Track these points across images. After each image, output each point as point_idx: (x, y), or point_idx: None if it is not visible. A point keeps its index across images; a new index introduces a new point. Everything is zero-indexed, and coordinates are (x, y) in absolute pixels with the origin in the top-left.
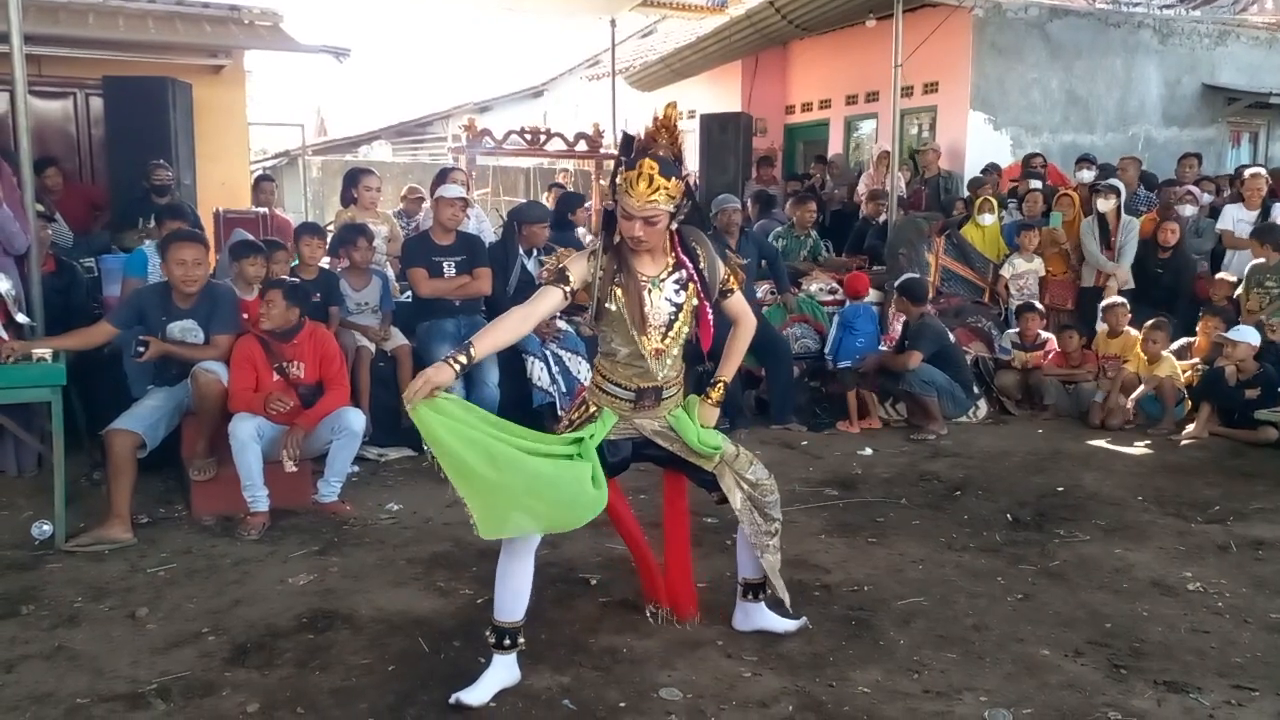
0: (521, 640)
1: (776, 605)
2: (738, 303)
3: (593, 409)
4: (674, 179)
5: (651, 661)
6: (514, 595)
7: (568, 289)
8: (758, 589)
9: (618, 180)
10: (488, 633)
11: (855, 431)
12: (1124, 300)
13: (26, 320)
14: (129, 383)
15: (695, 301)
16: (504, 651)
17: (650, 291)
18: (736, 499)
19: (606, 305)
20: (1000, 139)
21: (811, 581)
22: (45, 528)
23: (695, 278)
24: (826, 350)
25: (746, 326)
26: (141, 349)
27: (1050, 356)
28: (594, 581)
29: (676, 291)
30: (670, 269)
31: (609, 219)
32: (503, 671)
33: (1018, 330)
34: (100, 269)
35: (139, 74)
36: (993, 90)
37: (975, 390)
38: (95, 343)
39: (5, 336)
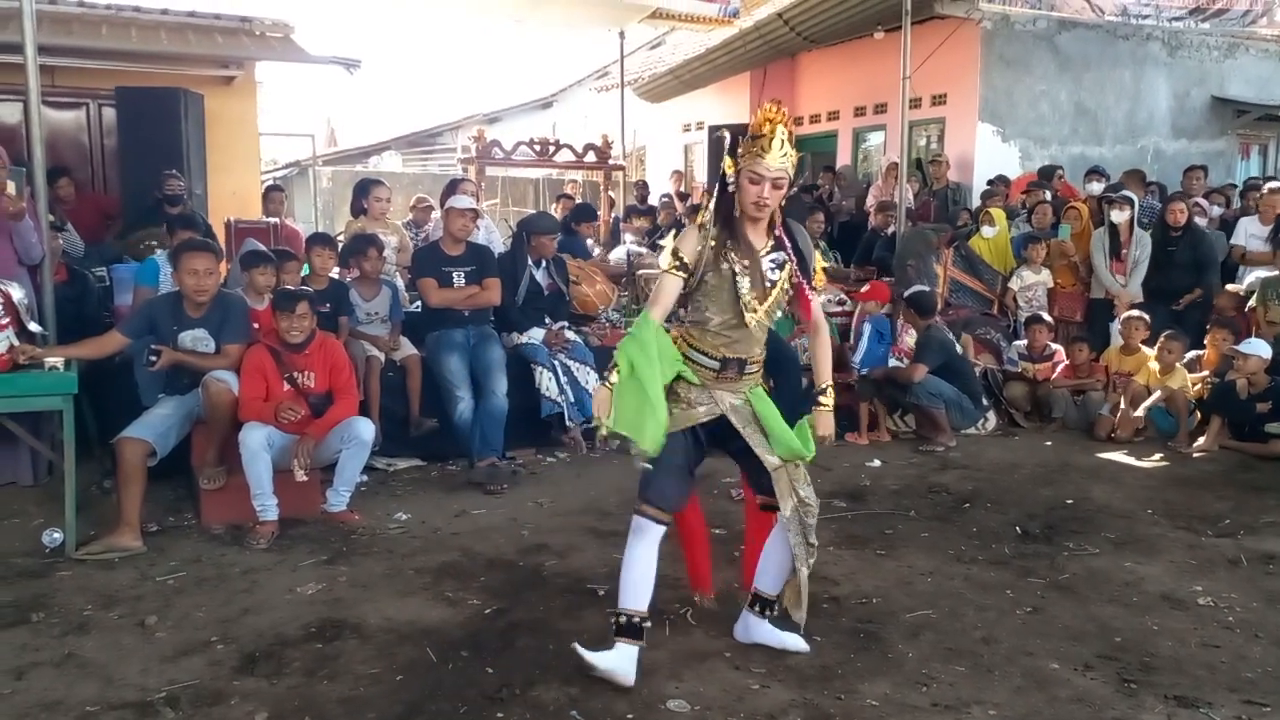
0: (643, 633)
1: (783, 620)
2: (817, 305)
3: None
4: (796, 151)
5: (659, 672)
6: (640, 582)
7: (684, 276)
8: (768, 605)
9: (739, 151)
10: (613, 623)
11: (864, 443)
12: (1143, 315)
13: (39, 329)
14: (140, 391)
15: (792, 281)
16: (630, 638)
17: (756, 262)
18: (787, 507)
19: (707, 277)
20: (1009, 151)
21: (820, 593)
22: (56, 535)
23: (793, 258)
24: (856, 359)
25: (824, 332)
26: (153, 358)
27: (1059, 369)
28: (602, 592)
29: (772, 269)
30: (771, 247)
31: (722, 193)
32: (626, 661)
33: (1026, 342)
34: (112, 278)
35: (151, 84)
36: (1001, 102)
37: (984, 402)
38: (106, 352)
39: (18, 344)
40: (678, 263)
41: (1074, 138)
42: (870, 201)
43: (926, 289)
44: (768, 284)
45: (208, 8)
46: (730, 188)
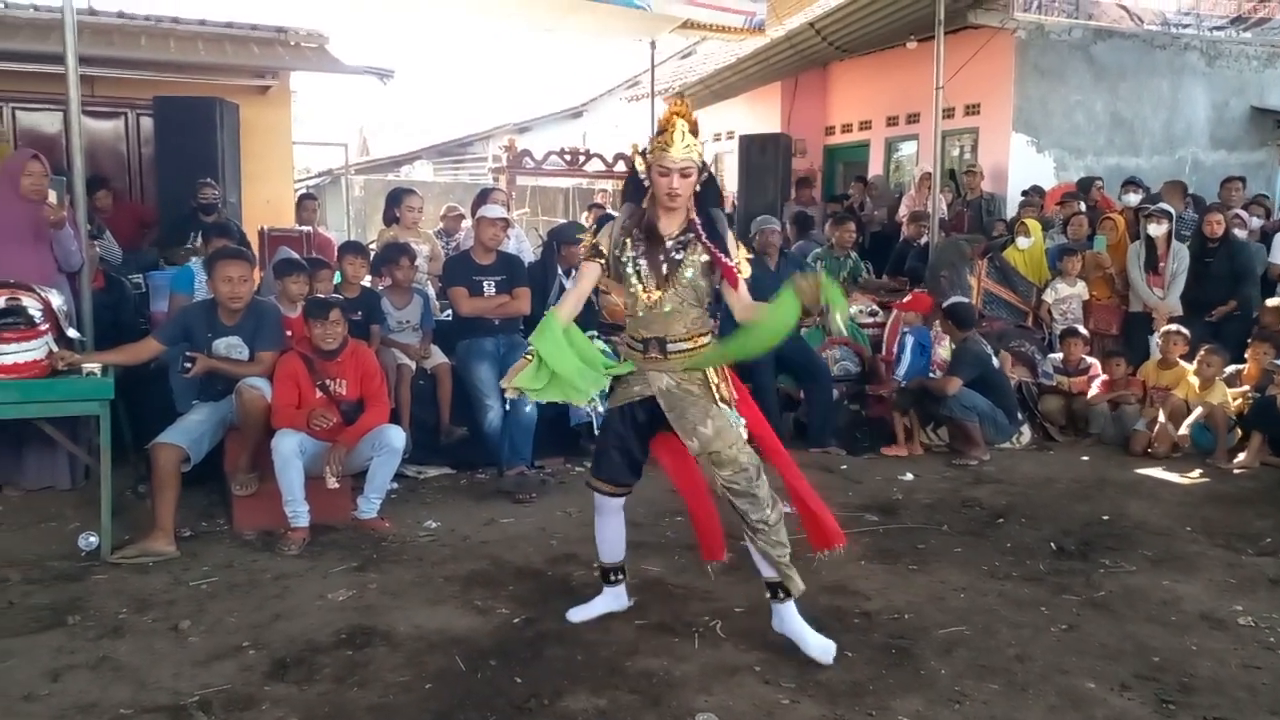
0: (624, 576)
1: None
2: (740, 278)
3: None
4: (699, 140)
5: (689, 685)
6: (609, 543)
7: (602, 261)
8: (775, 587)
9: (648, 150)
10: (596, 572)
11: (903, 455)
12: (1182, 329)
13: (77, 335)
14: (174, 397)
15: (704, 257)
16: (611, 584)
17: (659, 247)
18: (716, 487)
19: (622, 261)
20: (1043, 161)
21: (851, 608)
22: (92, 539)
23: (702, 233)
24: (900, 372)
25: (748, 299)
26: (188, 365)
27: (1095, 382)
28: (630, 603)
29: (677, 250)
30: (684, 229)
31: (635, 187)
32: (610, 599)
33: (1061, 355)
34: (148, 285)
35: (188, 94)
36: (1035, 112)
37: (1019, 416)
38: (142, 358)
39: (57, 350)
40: (593, 250)
41: (1110, 148)
42: (903, 211)
43: (966, 300)
44: (668, 265)
45: (244, 18)
46: (645, 183)
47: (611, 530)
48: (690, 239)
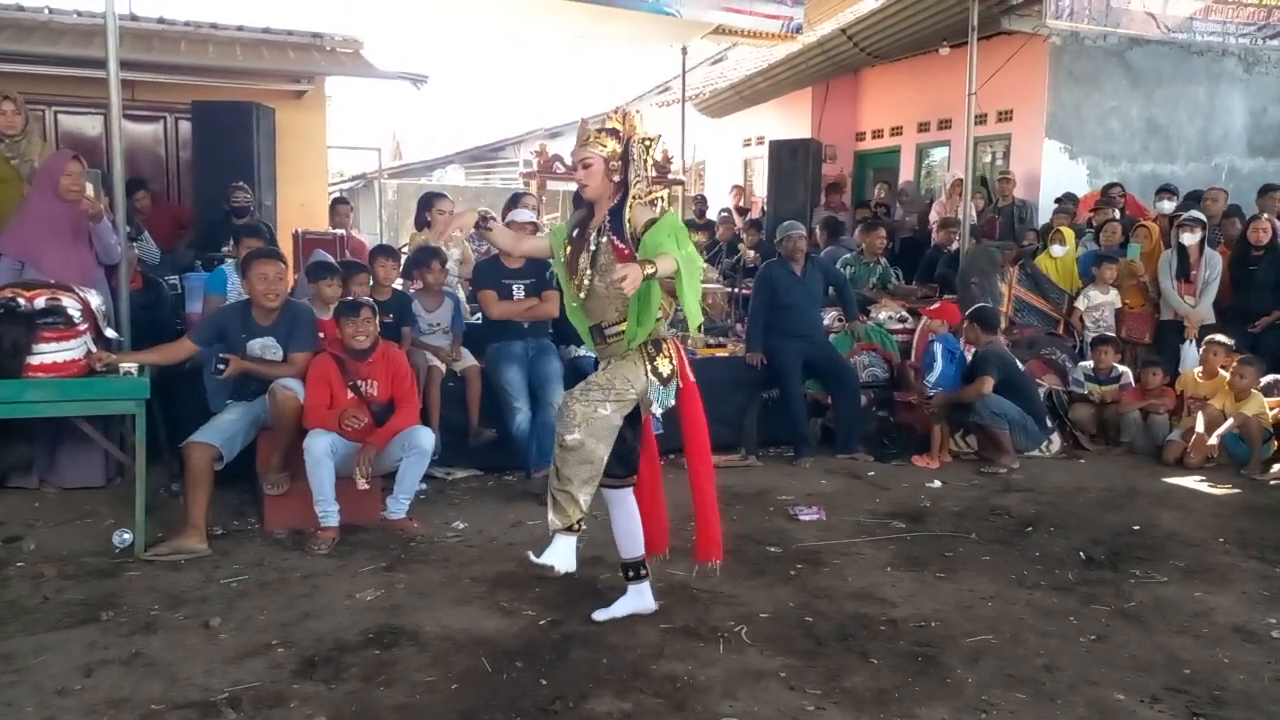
0: (646, 572)
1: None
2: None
3: None
4: (614, 140)
5: (713, 691)
6: (626, 535)
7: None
8: (631, 567)
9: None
10: (619, 572)
11: (935, 466)
12: (1225, 340)
13: (114, 335)
14: (208, 397)
15: (609, 243)
16: (634, 581)
17: (583, 240)
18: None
19: (562, 261)
20: (1077, 168)
21: (878, 615)
22: (126, 536)
23: (605, 227)
24: (931, 379)
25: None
26: (222, 366)
27: (1126, 391)
28: (656, 607)
29: (597, 239)
30: (605, 224)
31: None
32: (634, 599)
33: (1093, 363)
34: (184, 286)
35: (225, 99)
36: (1069, 119)
37: (1048, 424)
38: (177, 358)
39: (95, 350)
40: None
41: (1145, 155)
42: (933, 218)
43: (990, 305)
44: (588, 256)
45: (281, 24)
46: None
47: (624, 520)
48: (604, 227)
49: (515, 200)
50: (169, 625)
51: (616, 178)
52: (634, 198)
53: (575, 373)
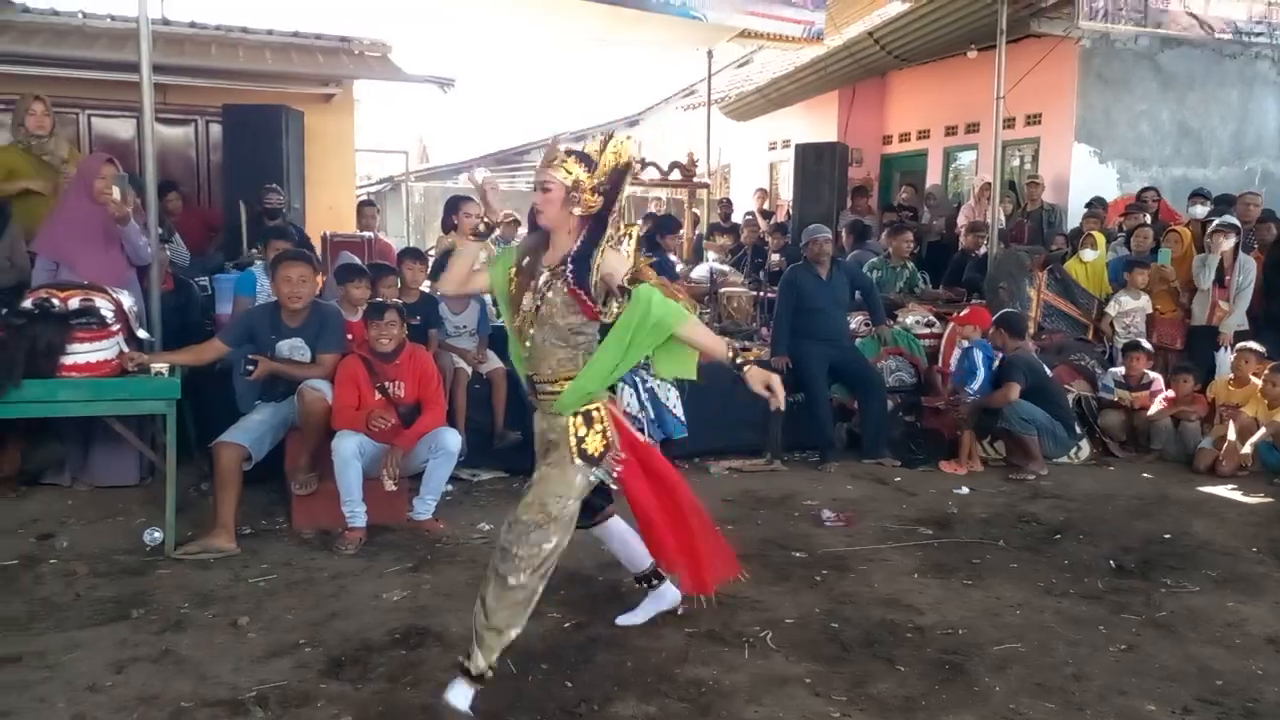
0: (661, 579)
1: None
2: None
3: None
4: (581, 167)
5: (738, 695)
6: (626, 557)
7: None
8: (643, 579)
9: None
10: (636, 583)
11: (963, 472)
12: (1257, 347)
13: (146, 336)
14: (237, 398)
15: (565, 289)
16: (651, 588)
17: (530, 276)
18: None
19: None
20: (1106, 172)
21: (904, 622)
22: (156, 535)
23: (567, 269)
24: (973, 387)
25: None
26: (251, 368)
27: (1158, 398)
28: (680, 611)
29: (549, 282)
30: (562, 259)
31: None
32: (655, 601)
33: (1124, 369)
34: (214, 288)
35: (255, 102)
36: (1099, 122)
37: (1077, 430)
38: (207, 359)
39: (127, 350)
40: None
41: (1176, 159)
42: (961, 222)
43: (1017, 310)
44: (533, 298)
45: (310, 28)
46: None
47: (619, 546)
48: (561, 271)
49: None
50: (198, 623)
51: (577, 210)
52: (607, 240)
53: None
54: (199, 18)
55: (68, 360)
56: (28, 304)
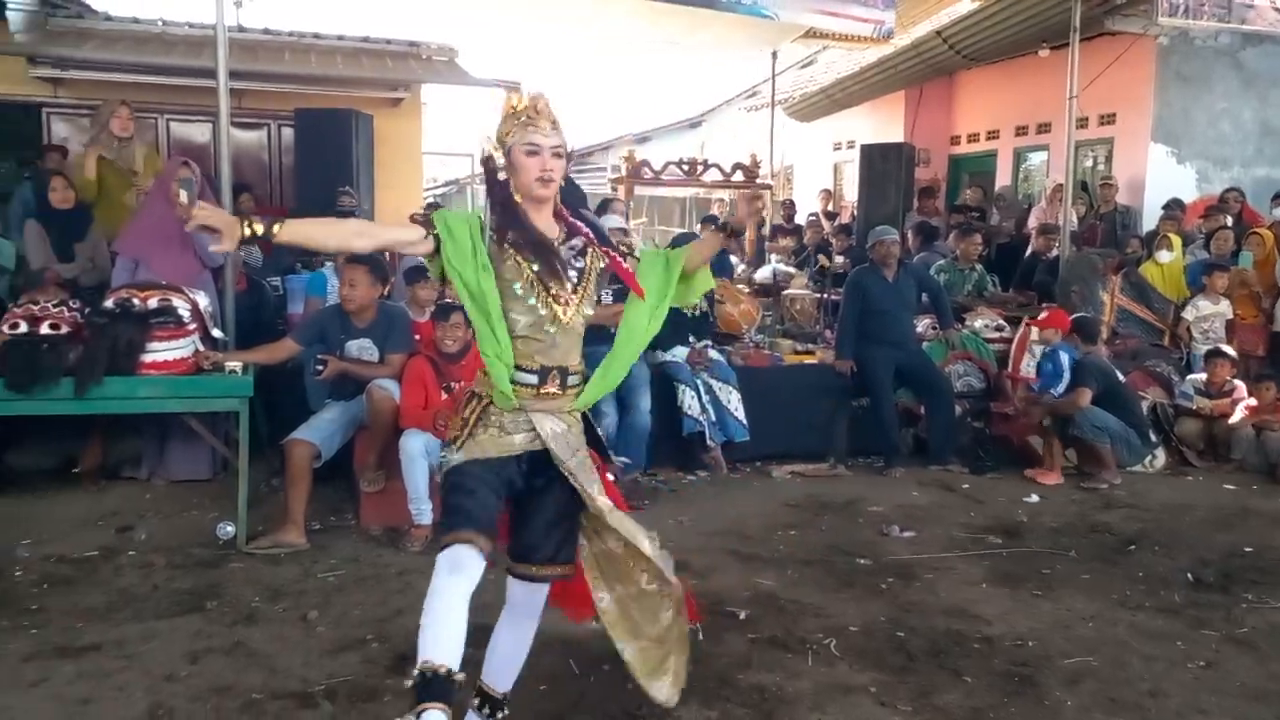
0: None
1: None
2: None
3: (484, 401)
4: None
5: (802, 703)
6: (450, 628)
7: (434, 233)
8: (497, 706)
9: (504, 132)
10: (409, 681)
11: (1052, 481)
12: None
13: (221, 335)
14: (308, 396)
15: (602, 263)
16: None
17: (553, 252)
18: (644, 545)
19: (504, 273)
20: (1184, 173)
21: (971, 633)
22: (228, 529)
23: (590, 237)
24: (1058, 389)
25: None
26: (321, 367)
27: (1239, 406)
28: (743, 616)
29: (575, 258)
30: (564, 235)
31: (496, 186)
32: None
33: (1204, 376)
34: (286, 288)
35: (326, 106)
36: (1177, 121)
37: (1152, 438)
38: (279, 358)
39: (202, 349)
40: (426, 223)
41: (1259, 159)
42: (1032, 223)
43: (1091, 315)
44: (573, 273)
45: (379, 34)
46: (501, 174)
47: (457, 607)
48: (582, 243)
49: (605, 206)
50: (269, 617)
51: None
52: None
53: (661, 378)
54: (272, 25)
55: (146, 358)
56: (109, 304)
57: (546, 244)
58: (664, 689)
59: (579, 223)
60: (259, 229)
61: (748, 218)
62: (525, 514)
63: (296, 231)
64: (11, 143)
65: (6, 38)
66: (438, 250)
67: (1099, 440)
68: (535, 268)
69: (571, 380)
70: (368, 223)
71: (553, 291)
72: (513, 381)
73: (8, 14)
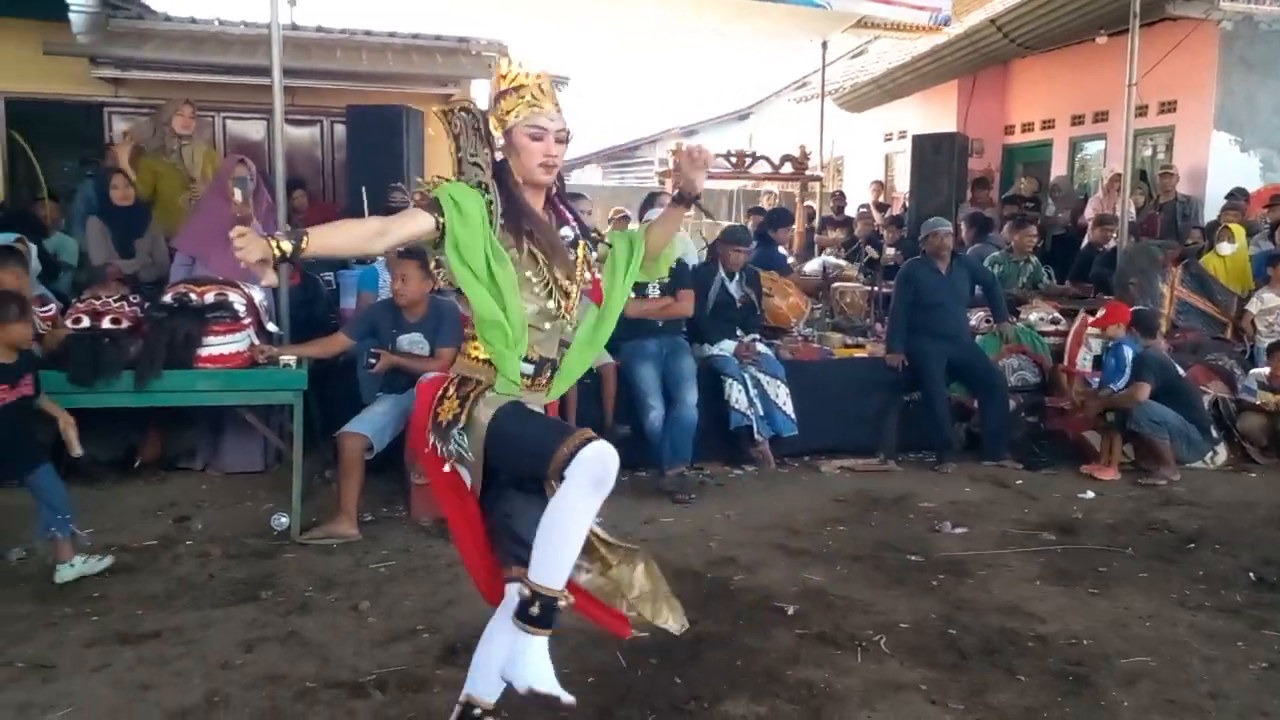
0: None
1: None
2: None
3: (481, 386)
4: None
5: (851, 700)
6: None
7: (443, 220)
8: (545, 604)
9: (501, 109)
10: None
11: (1110, 477)
12: None
13: (275, 329)
14: (360, 389)
15: (593, 254)
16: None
17: (555, 239)
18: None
19: (512, 257)
20: (1248, 161)
21: (1025, 631)
22: (283, 520)
23: (577, 230)
24: (1119, 383)
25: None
26: (373, 360)
27: None
28: (791, 611)
29: (568, 248)
30: (555, 224)
31: (500, 166)
32: None
33: (1268, 370)
34: (338, 283)
35: (377, 103)
36: (1240, 109)
37: (1213, 434)
38: (332, 351)
39: (258, 343)
40: (433, 207)
41: None
42: (1088, 214)
43: (1150, 308)
44: (584, 265)
45: (430, 30)
46: (497, 153)
47: (502, 641)
48: (572, 234)
49: (652, 200)
50: (321, 606)
51: None
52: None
53: (709, 372)
54: (325, 23)
55: (203, 352)
56: (168, 298)
57: (554, 233)
58: (671, 623)
59: (566, 211)
60: (286, 247)
61: (693, 174)
62: (515, 509)
63: (321, 244)
64: (75, 142)
65: (70, 39)
66: (444, 234)
67: (1158, 435)
68: (545, 257)
69: (551, 372)
70: (385, 221)
71: (559, 283)
72: (510, 379)
73: (71, 15)
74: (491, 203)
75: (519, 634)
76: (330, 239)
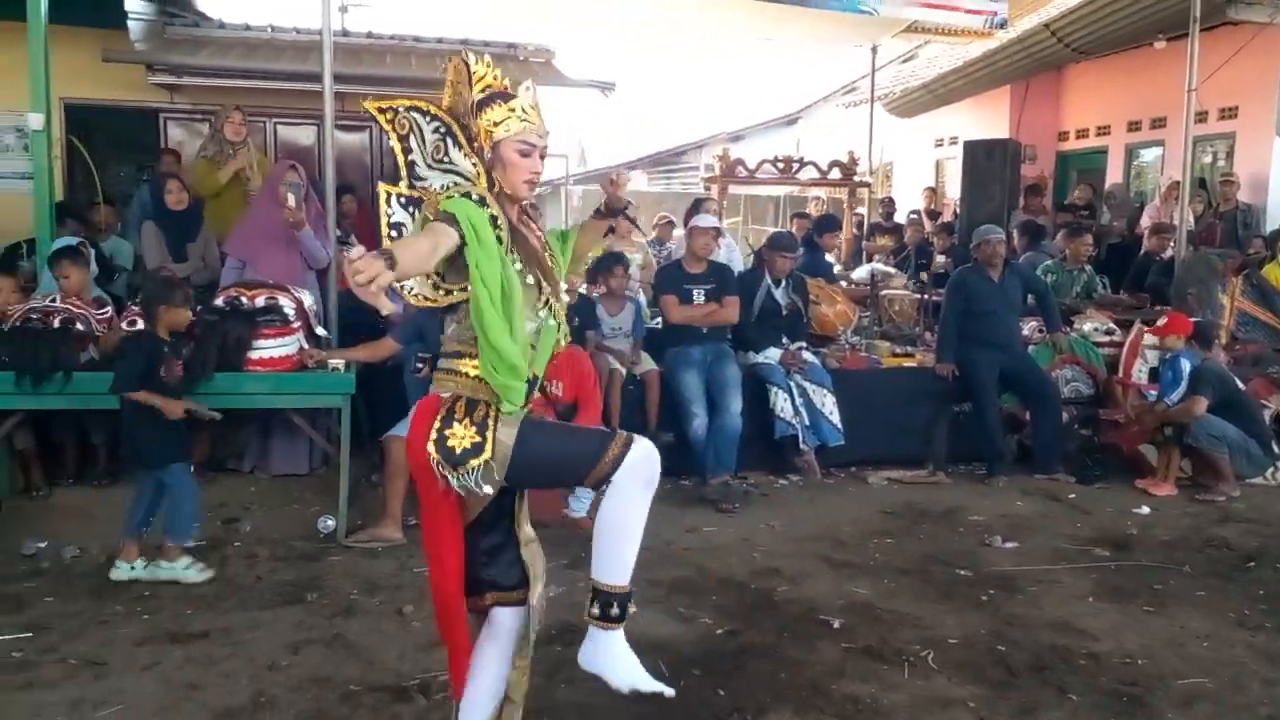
0: None
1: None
2: None
3: (491, 407)
4: None
5: (897, 715)
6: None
7: (461, 233)
8: (619, 602)
9: (492, 115)
10: None
11: (1166, 492)
12: None
13: (324, 333)
14: (408, 393)
15: (560, 270)
16: None
17: (539, 252)
18: (535, 593)
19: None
20: None
21: (1077, 648)
22: (329, 523)
23: (547, 243)
24: (1173, 396)
25: None
26: (420, 365)
27: None
28: (836, 624)
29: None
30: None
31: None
32: None
33: None
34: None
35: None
36: None
37: (1274, 449)
38: (380, 356)
39: (307, 347)
40: (450, 221)
41: None
42: (1145, 223)
43: (1208, 318)
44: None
45: (478, 35)
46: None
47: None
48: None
49: (697, 205)
50: (366, 610)
51: None
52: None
53: (753, 380)
54: (375, 28)
55: (253, 355)
56: (219, 302)
57: (540, 247)
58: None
59: (534, 224)
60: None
61: (615, 192)
62: (506, 539)
63: (406, 268)
64: (131, 147)
65: (127, 46)
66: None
67: (1216, 450)
68: (541, 273)
69: (534, 387)
70: (430, 239)
71: (550, 299)
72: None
73: (129, 23)
74: (495, 218)
75: (598, 632)
76: (411, 264)
